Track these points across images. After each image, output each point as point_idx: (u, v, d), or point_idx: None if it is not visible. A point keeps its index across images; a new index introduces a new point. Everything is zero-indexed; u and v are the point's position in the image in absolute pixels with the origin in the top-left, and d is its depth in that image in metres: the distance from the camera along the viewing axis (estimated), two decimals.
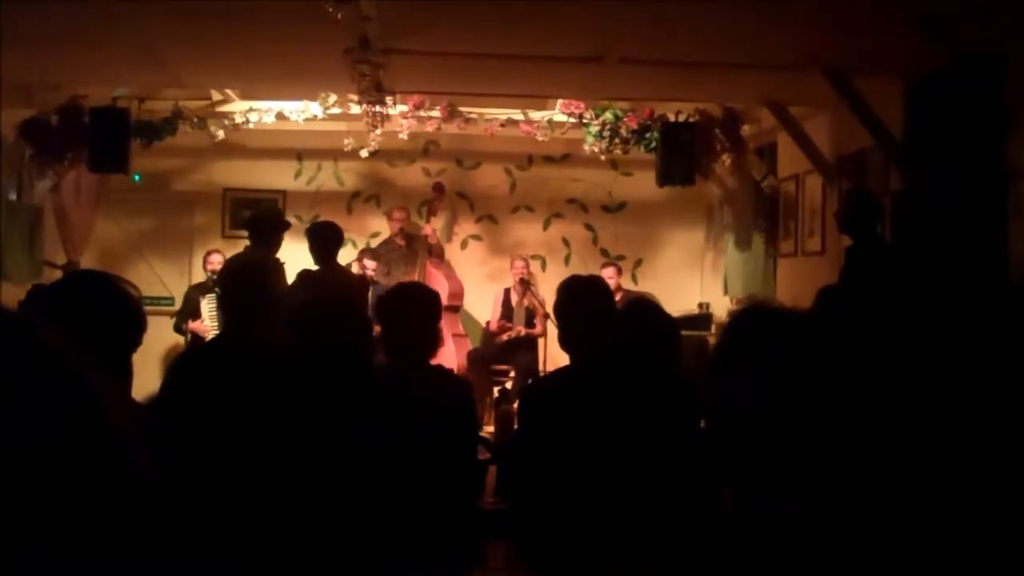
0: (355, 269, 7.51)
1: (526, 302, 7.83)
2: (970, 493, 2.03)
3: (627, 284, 8.32)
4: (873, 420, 2.11)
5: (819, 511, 1.90)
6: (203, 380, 2.65)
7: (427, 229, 7.95)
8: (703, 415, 3.04)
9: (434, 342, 3.12)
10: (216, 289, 7.17)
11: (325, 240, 5.88)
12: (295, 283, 5.46)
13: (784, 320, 2.01)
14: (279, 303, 3.28)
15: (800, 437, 1.87)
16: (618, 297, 7.14)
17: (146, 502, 0.98)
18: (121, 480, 0.97)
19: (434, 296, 3.24)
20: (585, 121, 7.46)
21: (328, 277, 5.68)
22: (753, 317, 2.04)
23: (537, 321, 7.77)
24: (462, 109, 7.45)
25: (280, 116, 7.44)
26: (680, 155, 6.99)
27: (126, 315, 2.13)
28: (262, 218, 6.01)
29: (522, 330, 7.75)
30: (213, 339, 5.27)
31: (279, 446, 2.44)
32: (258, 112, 7.44)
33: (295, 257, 6.15)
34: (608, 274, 7.77)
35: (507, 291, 7.97)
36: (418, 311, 3.09)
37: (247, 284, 3.20)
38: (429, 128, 7.58)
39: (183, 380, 2.64)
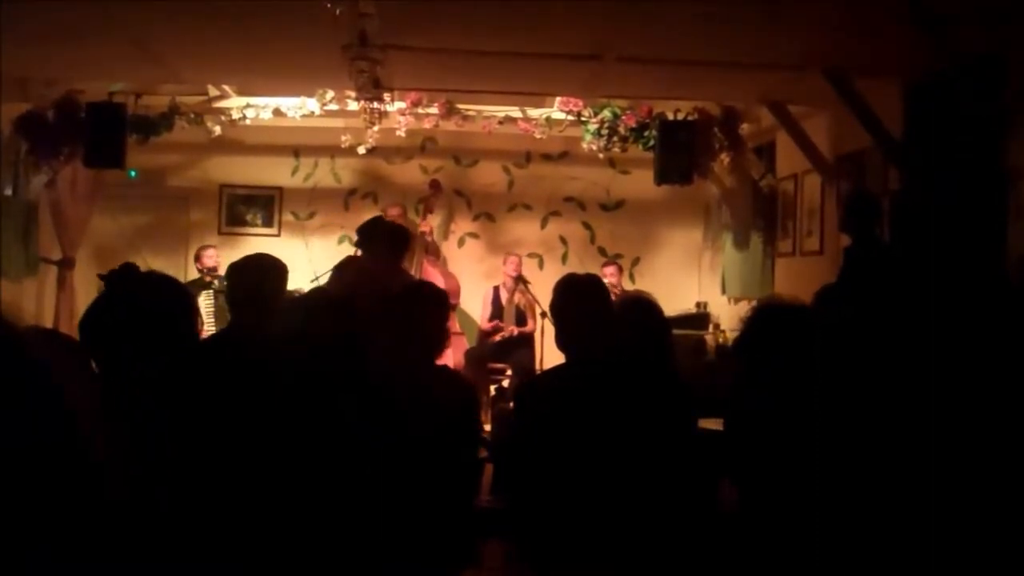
0: None
1: (517, 300, 7.80)
2: (971, 490, 2.03)
3: (624, 283, 8.31)
4: (871, 418, 2.11)
5: (824, 507, 1.89)
6: (204, 374, 2.64)
7: (424, 226, 7.92)
8: (705, 412, 3.03)
9: (442, 342, 3.10)
10: (214, 284, 7.15)
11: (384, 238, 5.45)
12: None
13: (804, 318, 2.00)
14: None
15: (810, 433, 1.86)
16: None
17: (111, 497, 0.98)
18: (87, 478, 0.96)
19: (445, 296, 3.22)
20: (583, 119, 7.44)
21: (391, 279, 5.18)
22: (774, 314, 2.03)
23: (529, 319, 7.75)
24: (460, 106, 7.42)
25: (277, 112, 7.41)
26: (678, 154, 6.98)
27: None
28: (372, 229, 5.43)
29: (514, 329, 7.73)
30: (217, 333, 5.22)
31: (277, 441, 2.43)
32: (255, 108, 7.41)
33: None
34: (609, 272, 7.75)
35: (496, 289, 7.95)
36: (430, 310, 3.07)
37: (257, 279, 3.20)
38: (427, 125, 7.56)
39: (183, 373, 2.63)
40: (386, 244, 5.41)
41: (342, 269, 5.58)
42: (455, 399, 3.01)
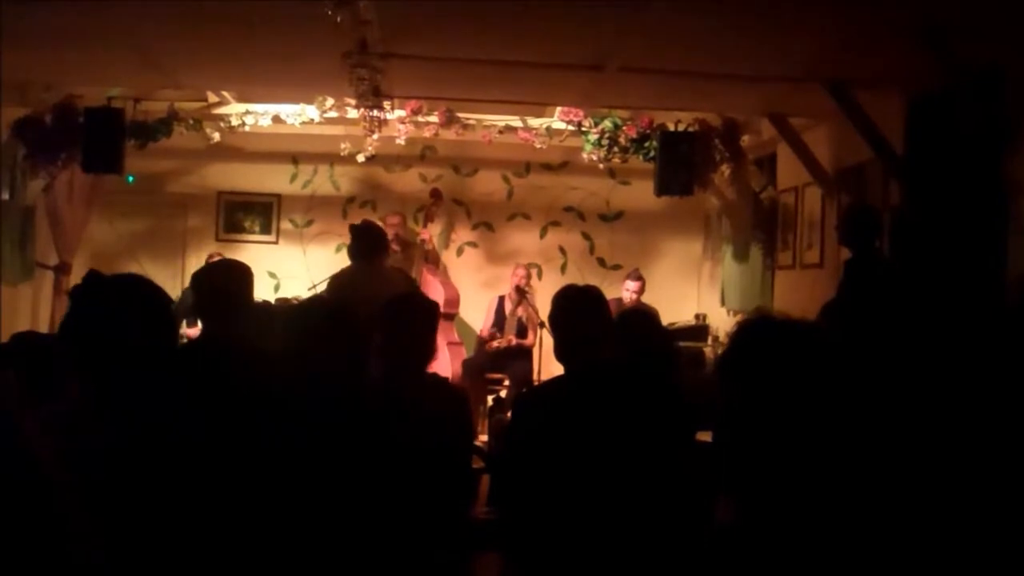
0: None
1: (520, 311, 7.77)
2: (968, 500, 2.02)
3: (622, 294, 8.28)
4: (869, 432, 2.09)
5: (821, 521, 1.87)
6: (186, 383, 2.61)
7: (424, 234, 7.90)
8: (704, 425, 3.01)
9: (431, 352, 3.09)
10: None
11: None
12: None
13: (791, 331, 1.98)
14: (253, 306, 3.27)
15: (806, 447, 1.84)
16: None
17: (59, 510, 0.96)
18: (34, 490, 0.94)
19: (434, 307, 3.22)
20: (584, 129, 7.43)
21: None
22: (760, 328, 2.01)
23: (530, 332, 7.71)
24: (460, 115, 7.41)
25: (276, 119, 7.40)
26: (679, 165, 6.96)
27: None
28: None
29: (513, 339, 7.70)
30: (191, 341, 5.19)
31: (267, 451, 2.40)
32: (254, 115, 7.40)
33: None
34: (634, 288, 7.66)
35: (501, 299, 7.92)
36: (419, 321, 3.06)
37: (222, 285, 3.17)
38: (426, 133, 7.55)
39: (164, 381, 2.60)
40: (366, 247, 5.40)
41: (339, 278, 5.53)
42: (447, 407, 2.99)
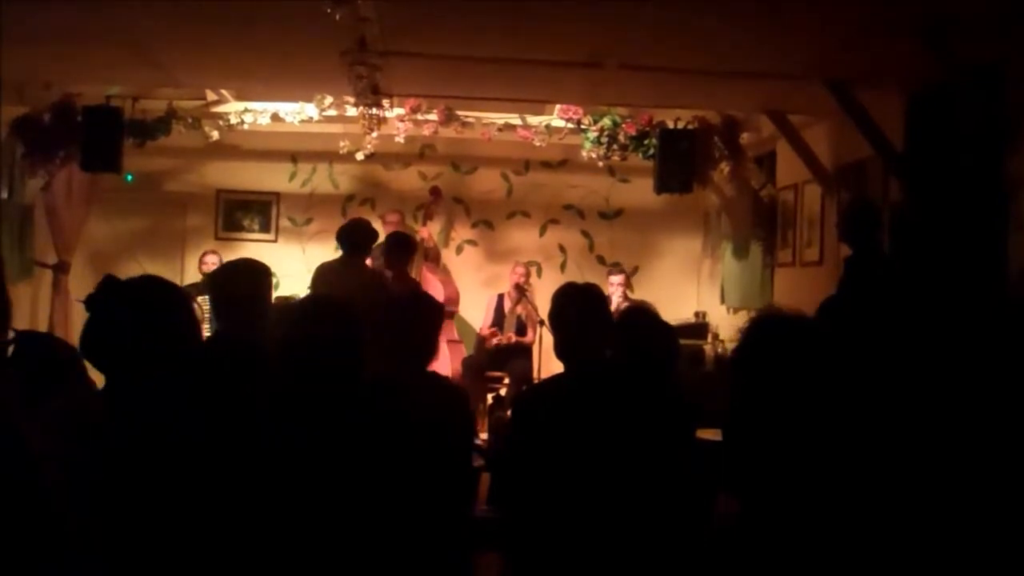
0: None
1: (519, 309, 7.76)
2: (971, 497, 2.01)
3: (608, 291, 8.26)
4: (872, 429, 2.08)
5: (823, 518, 1.87)
6: (207, 382, 2.61)
7: (423, 232, 7.89)
8: (704, 423, 3.00)
9: (433, 351, 3.09)
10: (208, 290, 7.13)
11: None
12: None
13: (803, 328, 1.97)
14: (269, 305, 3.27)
15: (813, 444, 1.84)
16: (623, 306, 7.08)
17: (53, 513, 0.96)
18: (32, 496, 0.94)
19: (439, 307, 3.22)
20: (583, 127, 7.42)
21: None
22: (773, 324, 2.00)
23: (529, 330, 7.70)
24: (459, 113, 7.41)
25: (275, 117, 7.40)
26: (678, 162, 6.95)
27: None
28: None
29: (512, 337, 7.69)
30: (206, 340, 5.17)
31: (264, 452, 2.39)
32: (253, 113, 7.39)
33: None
34: (617, 282, 7.66)
35: (500, 297, 7.91)
36: (425, 321, 3.06)
37: (240, 285, 3.16)
38: (425, 131, 7.53)
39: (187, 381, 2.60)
40: (392, 251, 5.50)
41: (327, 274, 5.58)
42: (448, 406, 2.98)
